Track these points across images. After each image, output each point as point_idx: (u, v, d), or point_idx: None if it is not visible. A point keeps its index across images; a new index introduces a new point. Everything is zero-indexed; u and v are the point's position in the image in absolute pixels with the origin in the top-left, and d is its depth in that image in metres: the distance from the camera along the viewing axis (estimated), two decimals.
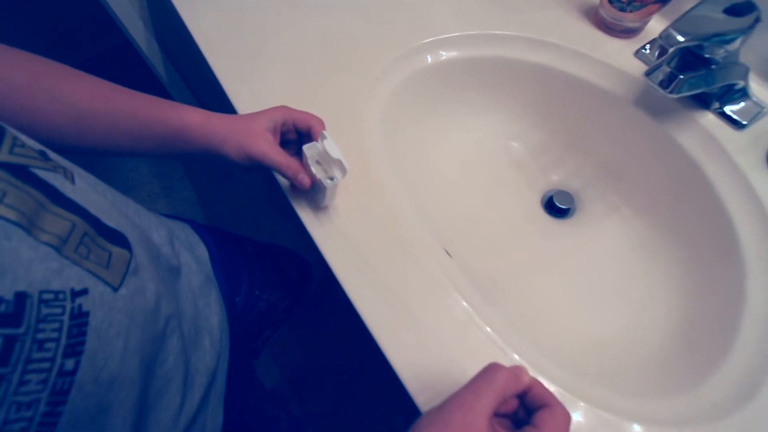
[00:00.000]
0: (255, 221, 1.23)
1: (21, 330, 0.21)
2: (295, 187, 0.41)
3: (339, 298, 1.12)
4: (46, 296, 0.22)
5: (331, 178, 0.36)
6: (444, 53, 0.51)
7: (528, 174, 0.56)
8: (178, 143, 0.38)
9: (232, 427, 0.41)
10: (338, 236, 0.40)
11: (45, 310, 0.22)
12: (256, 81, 0.49)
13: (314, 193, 0.40)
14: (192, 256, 0.43)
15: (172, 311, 0.33)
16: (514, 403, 0.28)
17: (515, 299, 0.48)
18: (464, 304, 0.37)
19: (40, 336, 0.21)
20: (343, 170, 0.35)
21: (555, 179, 0.56)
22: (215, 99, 0.41)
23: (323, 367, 1.04)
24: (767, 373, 0.32)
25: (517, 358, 0.35)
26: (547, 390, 0.27)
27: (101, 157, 0.35)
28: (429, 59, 0.51)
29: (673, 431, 0.31)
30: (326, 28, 0.53)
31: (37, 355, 0.21)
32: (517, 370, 0.27)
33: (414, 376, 0.34)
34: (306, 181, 0.37)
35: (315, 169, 0.36)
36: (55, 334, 0.22)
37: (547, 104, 0.54)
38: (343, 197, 0.41)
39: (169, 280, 0.35)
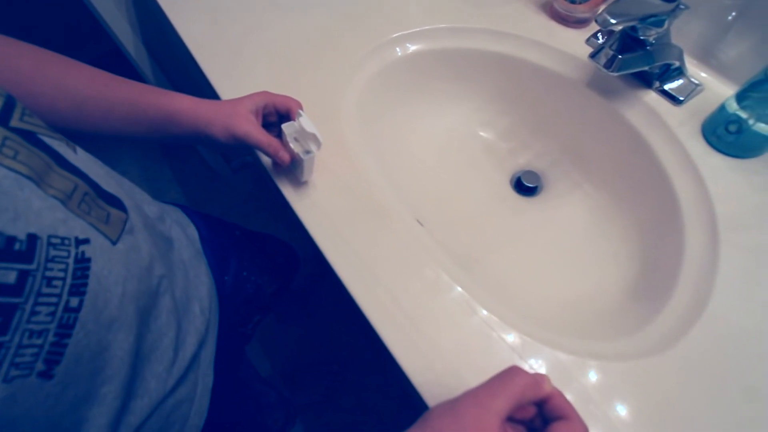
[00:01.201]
0: (243, 221, 1.26)
1: (33, 266, 0.24)
2: (278, 166, 0.45)
3: (328, 291, 1.15)
4: (53, 240, 0.25)
5: (308, 152, 0.40)
6: (412, 46, 0.55)
7: (497, 157, 0.61)
8: (169, 126, 0.41)
9: (222, 393, 0.44)
10: (317, 209, 0.43)
11: (53, 252, 0.25)
12: (242, 77, 0.53)
13: (294, 170, 0.43)
14: (183, 232, 0.46)
15: (164, 273, 0.36)
16: (531, 411, 0.27)
17: (488, 268, 0.51)
18: (437, 269, 0.40)
19: (48, 274, 0.24)
20: (318, 143, 0.39)
21: (522, 161, 0.60)
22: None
23: (314, 358, 1.06)
24: (700, 311, 0.36)
25: (485, 313, 0.38)
26: (568, 402, 0.26)
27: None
28: (398, 52, 0.55)
29: (625, 364, 0.35)
30: (304, 26, 0.57)
31: (46, 290, 0.24)
32: (539, 378, 0.26)
33: (391, 328, 0.37)
34: (285, 157, 0.41)
35: (293, 145, 0.40)
36: (61, 274, 0.25)
37: (511, 91, 0.58)
38: (322, 176, 0.45)
39: (162, 248, 0.38)
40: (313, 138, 0.39)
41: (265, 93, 0.43)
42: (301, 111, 0.40)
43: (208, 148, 0.45)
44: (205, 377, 0.40)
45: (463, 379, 0.35)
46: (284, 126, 0.40)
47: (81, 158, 0.31)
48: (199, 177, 1.34)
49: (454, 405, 0.26)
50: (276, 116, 0.44)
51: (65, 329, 0.25)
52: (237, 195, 1.31)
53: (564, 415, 0.26)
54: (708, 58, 0.49)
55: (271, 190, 0.47)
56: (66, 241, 0.26)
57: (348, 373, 1.03)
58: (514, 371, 0.26)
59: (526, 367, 0.35)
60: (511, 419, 0.26)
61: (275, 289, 0.65)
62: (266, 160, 0.46)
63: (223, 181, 1.33)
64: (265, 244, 0.67)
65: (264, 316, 0.68)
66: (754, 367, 0.34)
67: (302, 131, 0.39)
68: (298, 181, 0.44)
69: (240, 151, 0.44)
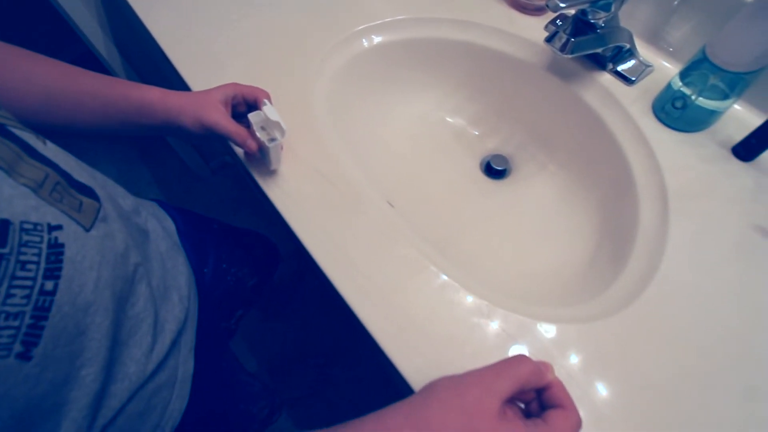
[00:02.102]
0: (224, 221, 1.26)
1: (6, 250, 0.24)
2: (250, 156, 0.46)
3: (311, 286, 1.16)
4: (26, 226, 0.26)
5: (272, 140, 0.41)
6: (377, 37, 0.57)
7: (467, 142, 0.63)
8: (140, 118, 0.42)
9: (204, 381, 0.45)
10: (293, 198, 0.44)
11: (26, 237, 0.26)
12: (215, 73, 0.53)
13: (263, 158, 0.45)
14: (159, 225, 0.47)
15: (140, 261, 0.36)
16: (530, 395, 0.28)
17: (462, 249, 0.53)
18: (412, 251, 0.41)
19: (22, 258, 0.25)
20: (282, 131, 0.40)
21: (491, 145, 0.63)
22: None
23: (300, 353, 1.07)
24: (653, 273, 0.39)
25: (471, 299, 0.40)
26: (566, 392, 0.27)
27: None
28: (365, 43, 0.57)
29: (585, 324, 0.37)
30: (272, 21, 0.58)
31: (20, 273, 0.25)
32: (543, 366, 0.28)
33: (368, 309, 0.38)
34: (253, 145, 0.42)
35: (260, 134, 0.41)
36: (35, 258, 0.26)
37: (477, 78, 0.60)
38: (296, 166, 0.46)
39: (138, 239, 0.39)
40: (278, 126, 0.40)
41: (233, 84, 0.44)
42: (266, 100, 0.41)
43: (179, 139, 0.46)
44: (185, 364, 0.41)
45: (441, 352, 0.36)
46: (251, 115, 0.42)
47: (51, 149, 0.32)
48: (178, 178, 1.33)
49: (460, 381, 0.27)
50: (245, 106, 0.45)
51: (41, 312, 0.26)
52: (217, 196, 1.31)
53: (561, 404, 0.27)
54: (656, 40, 0.52)
55: (250, 188, 0.48)
56: (38, 227, 0.27)
57: (334, 366, 1.05)
58: (521, 359, 0.27)
59: (490, 329, 0.37)
60: (509, 400, 0.27)
61: (256, 281, 0.66)
62: (241, 152, 0.47)
63: (203, 182, 1.33)
64: (244, 237, 0.68)
65: (246, 310, 0.69)
66: (699, 320, 0.37)
67: (267, 120, 0.41)
68: (268, 170, 0.45)
69: (210, 141, 0.45)
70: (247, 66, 0.54)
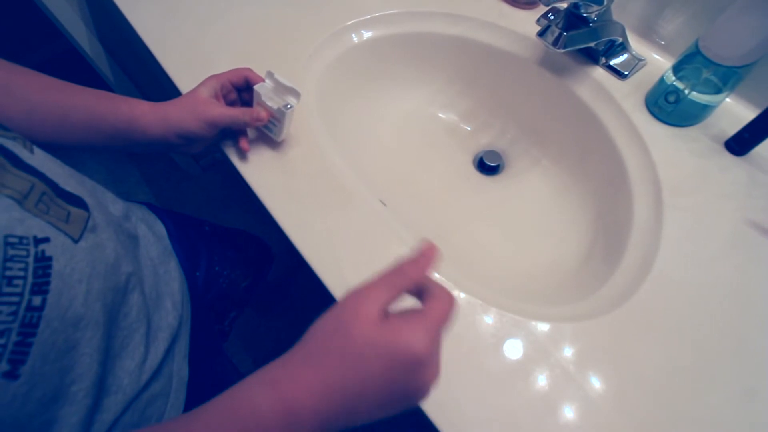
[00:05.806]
0: (215, 219, 1.24)
1: None
2: (240, 151, 0.45)
3: (304, 283, 1.14)
4: (11, 240, 0.25)
5: (288, 106, 0.41)
6: (366, 33, 0.56)
7: (459, 138, 0.62)
8: (132, 133, 0.40)
9: (200, 387, 0.44)
10: (282, 195, 0.43)
11: (11, 252, 0.25)
12: (201, 69, 0.51)
13: (270, 131, 0.44)
14: (150, 230, 0.46)
15: (132, 270, 0.36)
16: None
17: (453, 244, 0.53)
18: (403, 248, 0.41)
19: (8, 273, 0.24)
20: (297, 95, 0.41)
21: (483, 141, 0.62)
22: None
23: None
24: (648, 268, 0.39)
25: (465, 297, 0.40)
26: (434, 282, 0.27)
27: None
28: (354, 39, 0.56)
29: (580, 323, 0.37)
30: (260, 16, 0.56)
31: (6, 290, 0.24)
32: (422, 264, 0.26)
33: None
34: (263, 114, 0.42)
35: (271, 103, 0.41)
36: (21, 273, 0.25)
37: (468, 73, 0.60)
38: (286, 163, 0.45)
39: (129, 246, 0.38)
40: (292, 91, 0.41)
41: (212, 77, 0.43)
42: (270, 70, 0.42)
43: (179, 151, 0.45)
44: (180, 371, 0.41)
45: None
46: (257, 87, 0.42)
47: (38, 158, 0.31)
48: (168, 177, 1.31)
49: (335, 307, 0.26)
50: (235, 93, 0.45)
51: (29, 328, 0.25)
52: (207, 193, 1.30)
53: (431, 293, 0.26)
54: (649, 33, 0.51)
55: (241, 185, 0.48)
56: (24, 241, 0.26)
57: None
58: (400, 271, 0.26)
59: (485, 328, 0.37)
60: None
61: (249, 283, 0.66)
62: (231, 148, 0.46)
63: (193, 180, 1.31)
64: (236, 238, 0.67)
65: (240, 311, 0.68)
66: (693, 315, 0.37)
67: (278, 88, 0.41)
68: (275, 140, 0.45)
69: (212, 142, 0.44)
70: (233, 62, 0.52)
